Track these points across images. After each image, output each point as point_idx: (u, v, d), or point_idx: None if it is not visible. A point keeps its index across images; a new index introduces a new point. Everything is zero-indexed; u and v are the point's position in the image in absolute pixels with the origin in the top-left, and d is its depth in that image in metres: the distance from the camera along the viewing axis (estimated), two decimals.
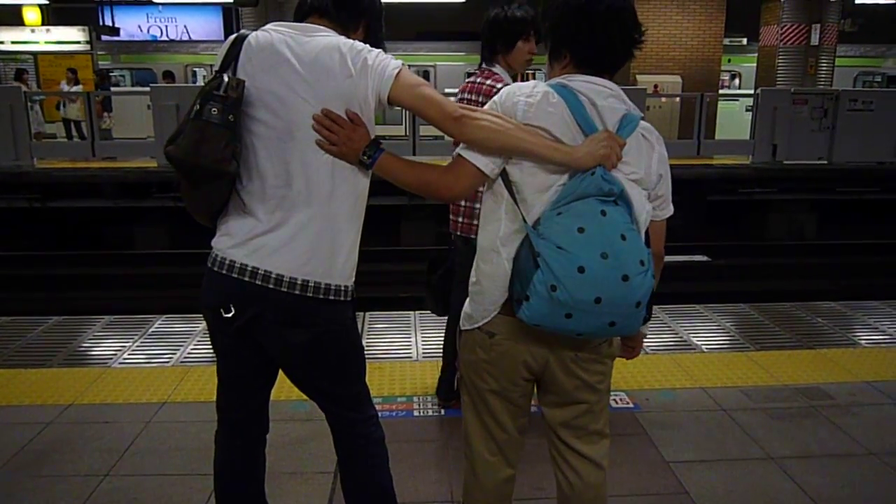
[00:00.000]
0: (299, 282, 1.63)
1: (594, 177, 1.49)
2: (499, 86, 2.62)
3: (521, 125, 1.56)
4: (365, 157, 1.64)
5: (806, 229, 10.11)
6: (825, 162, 10.37)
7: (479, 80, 2.74)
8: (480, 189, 1.72)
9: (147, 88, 10.47)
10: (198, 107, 1.54)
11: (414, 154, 9.82)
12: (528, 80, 1.82)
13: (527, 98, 1.58)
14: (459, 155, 1.62)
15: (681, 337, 4.03)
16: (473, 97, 2.69)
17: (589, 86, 1.59)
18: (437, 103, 1.61)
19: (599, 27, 1.57)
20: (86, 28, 15.66)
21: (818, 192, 10.20)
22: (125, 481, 2.53)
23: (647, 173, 1.61)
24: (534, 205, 1.56)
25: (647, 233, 1.61)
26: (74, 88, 12.50)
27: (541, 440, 1.95)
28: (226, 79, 1.55)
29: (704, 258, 8.34)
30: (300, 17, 1.73)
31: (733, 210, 10.42)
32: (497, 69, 2.73)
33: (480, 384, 1.75)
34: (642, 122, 1.62)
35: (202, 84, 1.61)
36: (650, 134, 1.63)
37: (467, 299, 1.76)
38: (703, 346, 3.89)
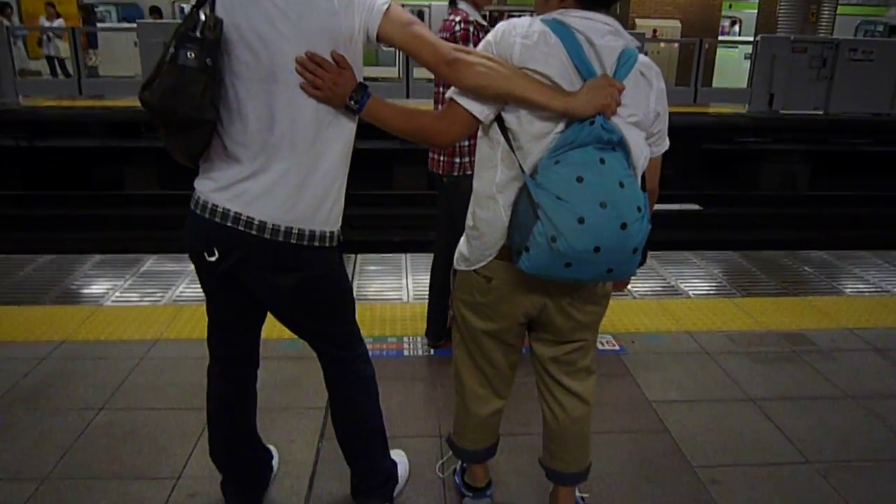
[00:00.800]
0: (283, 228, 1.61)
1: (594, 126, 1.47)
2: (457, 18, 2.61)
3: (517, 70, 1.52)
4: (352, 102, 1.60)
5: (799, 180, 10.12)
6: (821, 112, 10.31)
7: (449, 17, 2.72)
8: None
9: (133, 25, 10.20)
10: (173, 50, 1.46)
11: (408, 97, 9.67)
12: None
13: (523, 39, 1.52)
14: (453, 100, 1.59)
15: (668, 283, 4.08)
16: (446, 35, 2.65)
17: (586, 22, 1.54)
18: (429, 44, 1.56)
19: None
20: None
21: (813, 143, 10.16)
22: (120, 415, 2.58)
23: (645, 114, 1.59)
24: (530, 152, 1.54)
25: (642, 175, 1.61)
26: (56, 23, 12.14)
27: (527, 378, 2.00)
28: (202, 17, 1.47)
29: (696, 207, 8.35)
30: None
31: (727, 159, 10.39)
32: (462, 6, 2.70)
33: (475, 325, 1.78)
34: (640, 57, 1.58)
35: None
36: (648, 70, 1.59)
37: (463, 240, 1.76)
38: (691, 292, 3.94)
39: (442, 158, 2.78)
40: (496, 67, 1.51)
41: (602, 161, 1.45)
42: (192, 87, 1.46)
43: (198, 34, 1.46)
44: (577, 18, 1.54)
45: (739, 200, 8.95)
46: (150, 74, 1.50)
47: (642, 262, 1.55)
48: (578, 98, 1.48)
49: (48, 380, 2.83)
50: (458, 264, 1.77)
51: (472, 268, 1.71)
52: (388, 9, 1.56)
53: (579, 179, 1.43)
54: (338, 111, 1.61)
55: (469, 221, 1.72)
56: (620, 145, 1.50)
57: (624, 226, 1.44)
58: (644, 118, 1.59)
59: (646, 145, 1.61)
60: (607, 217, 1.43)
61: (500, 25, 1.59)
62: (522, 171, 1.53)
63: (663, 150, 1.70)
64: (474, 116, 1.57)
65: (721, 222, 8.07)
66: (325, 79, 1.55)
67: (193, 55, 1.45)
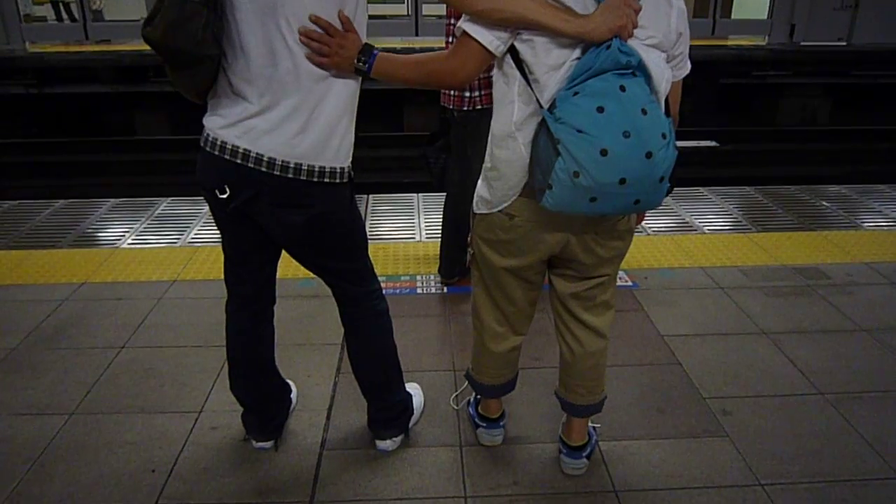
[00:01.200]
0: (292, 165, 1.60)
1: (610, 50, 1.41)
2: None
3: None
4: (360, 64, 1.59)
5: (819, 114, 9.88)
6: (844, 44, 9.98)
7: None
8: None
9: None
10: None
11: (416, 34, 9.48)
12: None
13: None
14: (463, 34, 1.53)
15: (683, 219, 4.05)
16: None
17: None
18: None
19: None
20: None
21: (833, 76, 9.87)
22: (141, 353, 2.64)
23: (665, 35, 1.52)
24: (547, 85, 1.48)
25: (666, 99, 1.56)
26: None
27: (541, 314, 2.01)
28: None
29: (713, 143, 8.21)
30: None
31: (746, 94, 10.14)
32: None
33: (496, 262, 1.76)
34: None
35: None
36: None
37: (481, 182, 1.72)
38: (705, 228, 3.92)
39: (453, 93, 2.74)
40: None
41: (623, 88, 1.39)
42: (194, 21, 1.44)
43: None
44: None
45: (758, 136, 8.77)
46: (152, 10, 1.48)
47: (670, 191, 1.51)
48: (592, 20, 1.42)
49: (70, 320, 2.89)
50: (478, 208, 1.73)
51: (494, 210, 1.67)
52: None
53: (600, 110, 1.37)
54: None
55: (487, 163, 1.68)
56: (640, 69, 1.44)
57: (649, 154, 1.39)
58: (664, 39, 1.52)
59: (667, 68, 1.55)
60: (631, 147, 1.37)
61: None
62: (540, 105, 1.48)
63: (685, 74, 1.65)
64: (485, 49, 1.51)
65: (739, 159, 7.94)
66: (331, 45, 1.54)
67: None
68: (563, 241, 1.67)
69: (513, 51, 1.52)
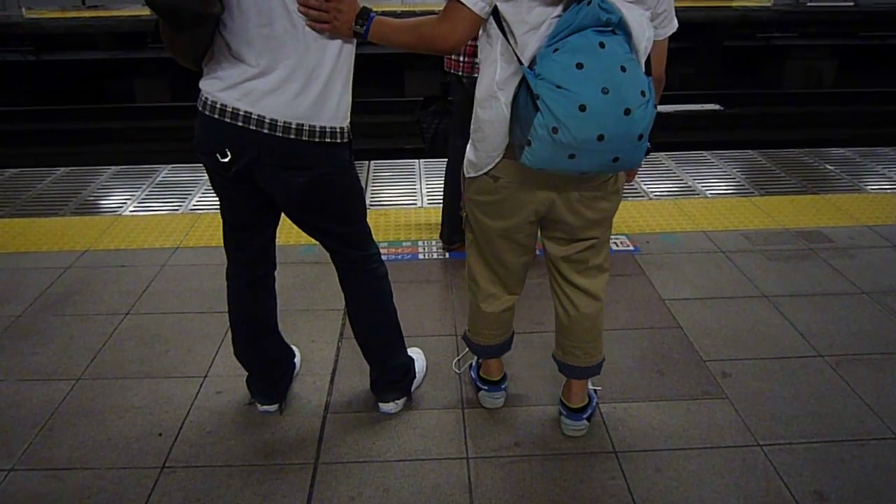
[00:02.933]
0: (293, 125, 1.61)
1: (591, 6, 1.41)
2: None
3: None
4: (358, 27, 1.60)
5: (825, 76, 9.75)
6: (851, 3, 9.80)
7: None
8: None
9: None
10: None
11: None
12: None
13: None
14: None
15: (685, 183, 4.03)
16: None
17: None
18: None
19: None
20: None
21: (840, 38, 9.72)
22: (145, 319, 2.67)
23: None
24: (528, 43, 1.49)
25: (647, 59, 1.56)
26: None
27: (542, 279, 2.02)
28: None
29: (716, 107, 8.13)
30: None
31: (750, 56, 10.00)
32: None
33: (486, 224, 1.79)
34: None
35: None
36: None
37: (469, 145, 1.74)
38: (708, 192, 3.90)
39: (462, 59, 2.70)
40: None
41: (602, 45, 1.40)
42: None
43: None
44: None
45: (762, 99, 8.67)
46: None
47: (649, 151, 1.52)
48: None
49: (74, 287, 2.91)
50: (467, 171, 1.76)
51: (481, 172, 1.69)
52: None
53: (579, 66, 1.38)
54: None
55: (473, 125, 1.70)
56: (620, 27, 1.44)
57: (627, 111, 1.40)
58: None
59: (649, 26, 1.55)
60: (609, 103, 1.39)
61: None
62: (520, 63, 1.48)
63: (670, 33, 1.65)
64: (472, 11, 1.52)
65: (743, 122, 7.87)
66: (329, 10, 1.55)
67: None
68: (548, 201, 1.69)
69: (495, 12, 1.53)
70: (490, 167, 1.67)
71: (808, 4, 9.72)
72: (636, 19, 1.49)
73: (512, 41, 1.51)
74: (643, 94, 1.43)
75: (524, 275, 1.95)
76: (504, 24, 1.51)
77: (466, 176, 1.77)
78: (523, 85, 1.46)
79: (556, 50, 1.41)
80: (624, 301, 2.76)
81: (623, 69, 1.40)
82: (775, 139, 7.12)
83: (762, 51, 9.91)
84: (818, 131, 7.60)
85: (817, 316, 2.66)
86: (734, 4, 10.05)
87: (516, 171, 1.63)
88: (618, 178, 1.72)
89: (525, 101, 1.45)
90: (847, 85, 9.35)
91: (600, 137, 1.41)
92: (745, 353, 2.43)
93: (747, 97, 8.60)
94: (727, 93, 8.46)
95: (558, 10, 1.47)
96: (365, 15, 1.61)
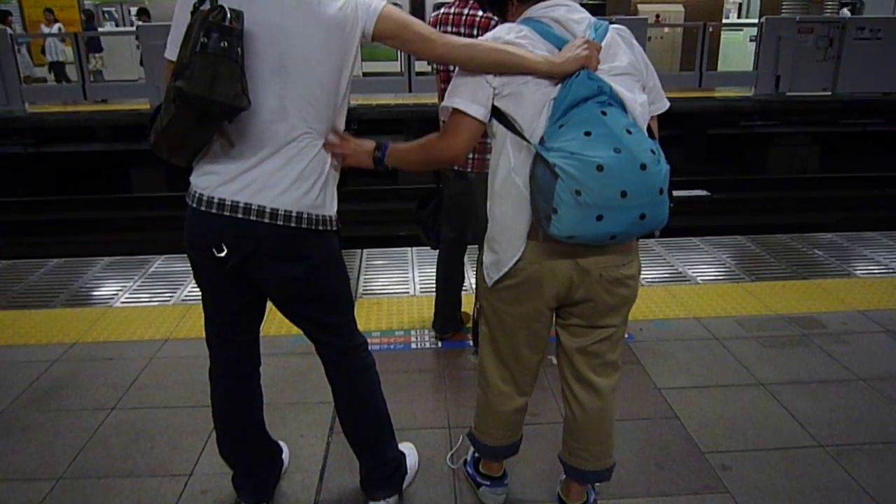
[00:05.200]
0: (294, 214, 1.64)
1: (579, 77, 1.53)
2: (480, 14, 2.57)
3: (500, 43, 1.61)
4: (377, 153, 1.77)
5: (808, 162, 10.04)
6: (829, 93, 10.21)
7: (455, 10, 2.66)
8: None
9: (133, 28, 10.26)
10: (204, 39, 1.44)
11: (410, 91, 9.66)
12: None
13: (515, 36, 1.62)
14: (450, 110, 1.64)
15: (676, 269, 4.06)
16: (453, 30, 2.61)
17: (547, 10, 1.65)
18: (422, 36, 1.64)
19: None
20: None
21: (821, 125, 10.07)
22: (132, 414, 2.60)
23: (631, 63, 1.63)
24: (534, 127, 1.57)
25: (648, 128, 1.63)
26: (55, 28, 12.23)
27: (541, 368, 1.99)
28: (227, 9, 1.47)
29: (704, 192, 8.31)
30: None
31: (734, 143, 10.31)
32: None
33: (504, 310, 1.76)
34: (612, 25, 1.67)
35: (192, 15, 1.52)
36: (623, 32, 1.67)
37: (486, 253, 1.74)
38: (699, 278, 3.93)
39: (474, 156, 2.75)
40: (483, 43, 1.62)
41: (604, 113, 1.50)
42: (228, 76, 1.47)
43: (227, 24, 1.46)
44: (539, 10, 1.66)
45: (748, 185, 8.89)
46: (178, 64, 1.48)
47: (670, 207, 1.56)
48: (560, 56, 1.56)
49: (60, 381, 2.85)
50: (489, 278, 1.74)
51: (506, 269, 1.67)
52: (383, 8, 1.63)
53: (587, 134, 1.47)
54: (340, 98, 1.67)
55: (489, 227, 1.72)
56: (614, 98, 1.54)
57: (643, 166, 1.47)
58: (631, 67, 1.63)
59: (640, 94, 1.63)
60: (624, 160, 1.45)
61: (490, 34, 1.69)
62: (531, 143, 1.55)
63: (662, 110, 1.74)
64: (472, 118, 1.61)
65: (730, 207, 8.02)
66: (347, 149, 1.76)
67: (226, 44, 1.46)
68: (568, 282, 1.67)
69: (496, 112, 1.62)
70: (516, 258, 1.65)
71: (787, 94, 10.10)
72: (626, 87, 1.59)
73: (520, 130, 1.58)
74: (653, 151, 1.50)
75: (536, 374, 1.91)
76: (507, 118, 1.60)
77: (490, 283, 1.75)
78: (538, 162, 1.51)
79: (561, 126, 1.50)
80: (620, 390, 2.71)
81: (628, 132, 1.49)
82: (762, 223, 7.24)
83: (746, 138, 10.24)
84: (803, 216, 7.75)
85: (815, 404, 2.63)
86: (716, 95, 10.44)
87: (536, 251, 1.64)
88: (633, 261, 1.72)
89: (543, 172, 1.49)
90: (830, 170, 9.60)
91: (623, 194, 1.46)
92: (744, 444, 2.38)
93: (733, 183, 8.81)
94: (713, 179, 8.66)
95: (555, 91, 1.56)
96: (380, 146, 1.78)
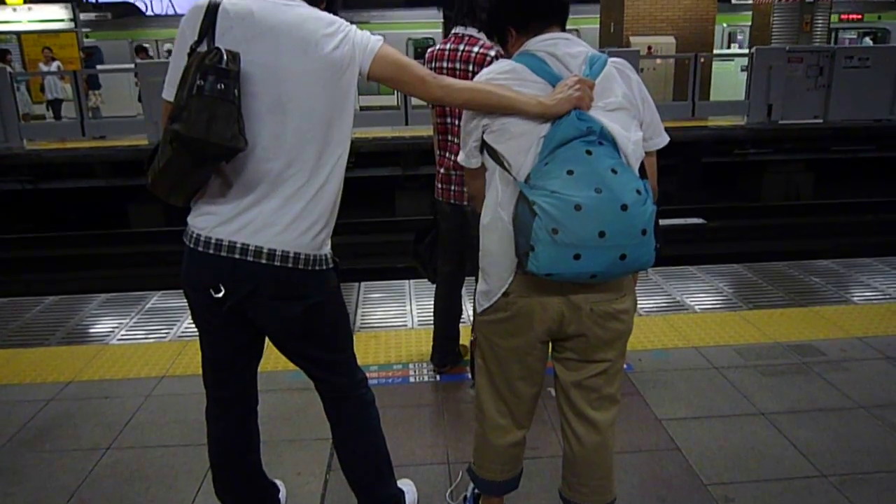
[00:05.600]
0: (291, 254, 1.64)
1: (569, 117, 1.54)
2: (491, 53, 2.57)
3: (495, 86, 1.64)
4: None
5: (801, 189, 10.10)
6: (820, 121, 10.32)
7: (451, 45, 2.68)
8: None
9: (131, 66, 10.39)
10: (200, 82, 1.45)
11: (406, 124, 9.75)
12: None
13: (498, 75, 1.67)
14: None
15: (674, 298, 4.06)
16: (448, 65, 2.63)
17: (544, 43, 1.67)
18: (418, 77, 1.67)
19: None
20: (69, 5, 15.43)
21: (813, 152, 10.16)
22: (127, 454, 2.57)
23: (626, 96, 1.64)
24: (522, 165, 1.59)
25: (642, 166, 1.63)
26: (53, 66, 12.40)
27: (539, 401, 1.97)
28: (224, 51, 1.48)
29: (699, 220, 8.34)
30: None
31: (728, 171, 10.40)
32: (472, 31, 2.66)
33: (498, 343, 1.76)
34: (612, 59, 1.68)
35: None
36: (622, 66, 1.68)
37: (479, 280, 1.76)
38: (697, 307, 3.92)
39: (453, 188, 2.77)
40: (478, 85, 1.67)
41: (589, 153, 1.50)
42: (225, 118, 1.47)
43: (223, 66, 1.47)
44: (536, 43, 1.68)
45: (743, 212, 8.93)
46: (175, 106, 1.49)
47: (657, 249, 1.54)
48: (552, 97, 1.58)
49: (55, 421, 2.82)
50: (480, 304, 1.76)
51: (495, 298, 1.70)
52: (380, 49, 1.64)
53: (569, 173, 1.48)
54: (340, 136, 1.66)
55: (481, 255, 1.74)
56: (604, 137, 1.54)
57: (624, 207, 1.46)
58: (627, 103, 1.63)
59: (636, 132, 1.63)
60: (604, 200, 1.45)
61: (484, 71, 1.76)
62: (517, 180, 1.58)
63: (661, 145, 1.74)
64: (471, 169, 1.76)
65: (726, 235, 8.05)
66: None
67: (223, 86, 1.46)
68: (559, 315, 1.66)
69: (487, 148, 1.67)
70: (504, 288, 1.68)
71: (780, 122, 10.21)
72: (620, 125, 1.59)
73: (507, 166, 1.61)
74: (638, 191, 1.49)
75: (533, 408, 1.90)
76: (497, 154, 1.64)
77: (479, 310, 1.77)
78: (521, 199, 1.53)
79: (547, 164, 1.52)
80: (620, 422, 2.66)
81: (613, 171, 1.48)
82: (759, 251, 7.26)
83: (740, 166, 10.32)
84: (798, 242, 7.77)
85: (816, 433, 2.61)
86: (710, 124, 10.55)
87: (525, 284, 1.65)
88: (626, 295, 1.70)
89: (523, 210, 1.51)
90: (824, 196, 9.66)
91: (601, 234, 1.46)
92: (746, 476, 2.35)
93: (728, 210, 8.86)
94: (708, 206, 8.71)
95: (545, 129, 1.57)
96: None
